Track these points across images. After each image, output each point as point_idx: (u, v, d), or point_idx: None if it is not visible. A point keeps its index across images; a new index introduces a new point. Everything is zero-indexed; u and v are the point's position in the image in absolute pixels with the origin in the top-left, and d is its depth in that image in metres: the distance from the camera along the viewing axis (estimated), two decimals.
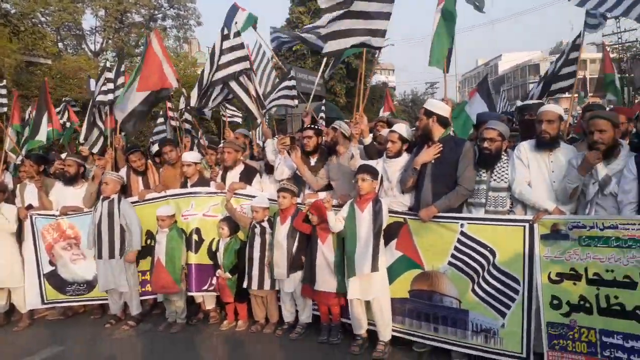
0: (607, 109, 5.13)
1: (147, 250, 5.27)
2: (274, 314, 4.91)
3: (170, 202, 5.25)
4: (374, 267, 4.01)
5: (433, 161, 4.04)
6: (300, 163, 4.85)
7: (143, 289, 5.36)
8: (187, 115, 7.17)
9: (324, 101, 10.03)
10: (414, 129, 4.80)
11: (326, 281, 4.38)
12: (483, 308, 3.82)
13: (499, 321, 3.76)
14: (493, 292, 3.79)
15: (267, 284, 4.74)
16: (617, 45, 34.99)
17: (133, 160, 5.66)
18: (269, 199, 4.90)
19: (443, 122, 4.11)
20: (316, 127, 5.18)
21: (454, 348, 3.97)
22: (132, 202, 5.35)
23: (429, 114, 4.08)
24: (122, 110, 5.90)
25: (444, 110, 4.13)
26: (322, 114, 9.07)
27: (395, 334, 4.21)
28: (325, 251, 4.39)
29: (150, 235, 5.31)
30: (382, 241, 4.14)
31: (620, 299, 3.30)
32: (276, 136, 5.57)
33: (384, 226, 4.11)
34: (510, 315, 3.72)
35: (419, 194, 4.11)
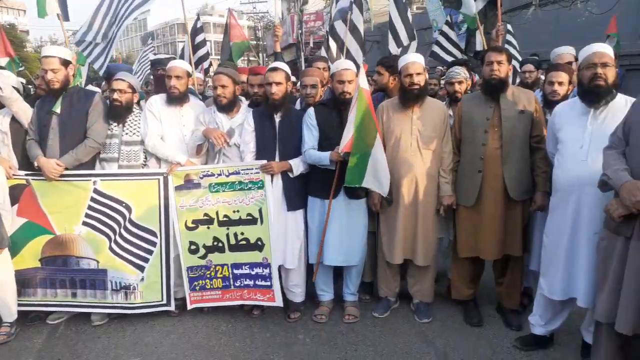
0: None
1: None
2: None
3: None
4: None
5: (59, 112, 3.65)
6: None
7: None
8: None
9: None
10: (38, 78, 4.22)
11: None
12: (122, 265, 3.76)
13: (139, 275, 3.78)
14: (131, 247, 3.76)
15: None
16: (252, 14, 39.24)
17: None
18: None
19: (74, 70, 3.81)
20: None
21: (94, 310, 3.81)
22: None
23: (66, 63, 3.65)
24: None
25: (71, 56, 3.82)
26: None
27: (24, 309, 3.72)
28: None
29: None
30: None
31: (245, 234, 3.75)
32: None
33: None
34: (149, 268, 3.79)
35: (44, 150, 3.65)
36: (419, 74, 3.56)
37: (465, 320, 3.71)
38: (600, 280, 2.56)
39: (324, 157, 3.55)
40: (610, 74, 2.80)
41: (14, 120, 3.76)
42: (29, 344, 3.52)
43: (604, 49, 2.84)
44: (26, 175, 3.68)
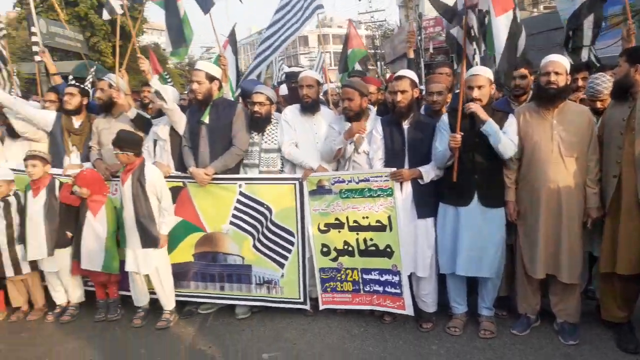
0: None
1: None
2: (39, 298, 4.31)
3: None
4: (145, 243, 3.85)
5: (208, 122, 4.03)
6: None
7: None
8: None
9: (95, 63, 8.89)
10: (187, 92, 4.68)
11: (93, 259, 4.01)
12: (264, 262, 4.04)
13: (279, 272, 4.02)
14: (272, 245, 4.02)
15: (25, 268, 4.12)
16: (370, 24, 39.53)
17: None
18: (16, 170, 4.22)
19: (220, 85, 4.17)
20: (81, 86, 4.63)
21: (240, 303, 4.12)
22: None
23: (211, 78, 4.03)
24: None
25: (219, 73, 4.17)
26: (90, 77, 8.01)
27: (180, 299, 4.15)
28: (97, 226, 4.00)
29: None
30: (157, 211, 3.93)
31: (374, 240, 3.81)
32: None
33: (159, 193, 3.91)
34: (288, 265, 4.00)
35: (196, 156, 4.06)
36: (557, 73, 3.35)
37: (619, 346, 3.35)
38: None
39: (444, 148, 3.48)
40: None
41: (172, 129, 4.21)
42: (184, 331, 3.92)
43: None
44: (182, 178, 4.10)
